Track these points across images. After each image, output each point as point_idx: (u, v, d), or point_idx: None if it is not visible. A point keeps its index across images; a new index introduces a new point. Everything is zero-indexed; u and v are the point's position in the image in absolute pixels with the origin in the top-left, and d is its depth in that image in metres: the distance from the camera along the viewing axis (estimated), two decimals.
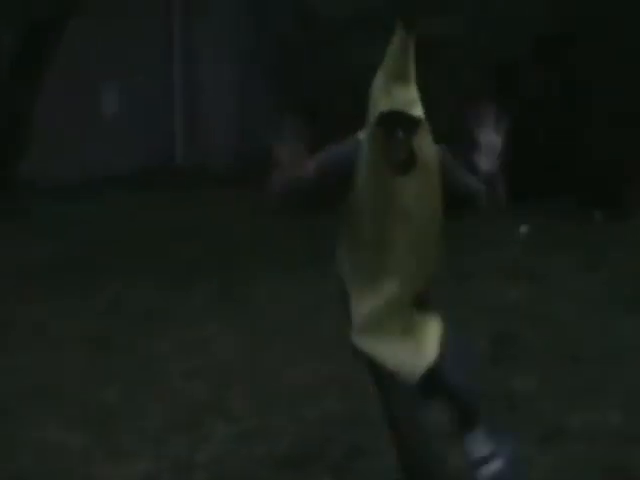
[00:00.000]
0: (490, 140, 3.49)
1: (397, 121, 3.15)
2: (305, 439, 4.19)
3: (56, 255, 7.49)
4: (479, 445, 3.54)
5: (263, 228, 7.82)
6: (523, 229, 7.69)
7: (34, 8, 8.97)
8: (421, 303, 3.42)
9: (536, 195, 8.23)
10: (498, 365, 5.06)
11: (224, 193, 9.42)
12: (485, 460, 3.53)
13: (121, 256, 7.45)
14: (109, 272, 7.01)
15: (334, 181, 3.26)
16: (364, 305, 3.34)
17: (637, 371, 4.91)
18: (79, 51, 10.37)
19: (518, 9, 8.43)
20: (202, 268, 7.09)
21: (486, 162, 3.50)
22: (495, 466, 3.53)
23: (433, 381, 3.39)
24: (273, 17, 10.11)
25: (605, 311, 5.91)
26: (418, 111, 3.18)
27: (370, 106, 3.21)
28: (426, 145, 3.26)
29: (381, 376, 3.34)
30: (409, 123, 3.17)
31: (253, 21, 10.81)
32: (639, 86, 8.35)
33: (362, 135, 3.29)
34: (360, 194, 3.24)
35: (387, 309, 3.33)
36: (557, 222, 7.90)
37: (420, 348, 3.35)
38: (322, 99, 8.68)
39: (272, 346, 5.41)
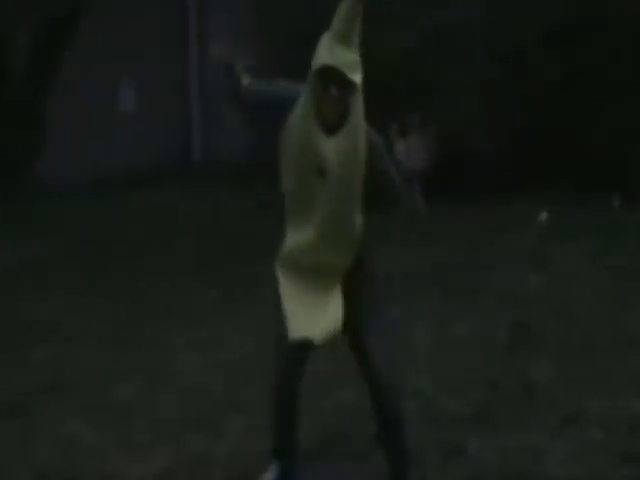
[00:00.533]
0: (414, 144, 3.56)
1: (333, 78, 3.24)
2: (323, 430, 4.18)
3: (71, 252, 7.54)
4: None
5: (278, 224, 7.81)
6: (543, 217, 7.63)
7: (48, 7, 9.00)
8: (348, 279, 3.43)
9: (551, 181, 8.19)
10: (515, 352, 5.05)
11: (239, 190, 9.42)
12: None
13: (136, 252, 7.47)
14: (125, 269, 7.04)
15: (268, 114, 3.41)
16: (288, 242, 3.45)
17: None
18: (95, 50, 10.41)
19: None
20: (219, 264, 7.10)
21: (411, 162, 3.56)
22: None
23: (357, 355, 3.51)
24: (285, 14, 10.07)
25: (622, 298, 5.87)
26: (356, 75, 3.26)
27: (313, 60, 3.29)
28: (357, 112, 3.33)
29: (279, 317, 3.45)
30: (344, 83, 3.24)
31: (265, 16, 10.78)
32: None
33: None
34: (288, 140, 3.33)
35: (304, 252, 3.39)
36: (574, 208, 7.85)
37: (325, 318, 3.40)
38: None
39: None
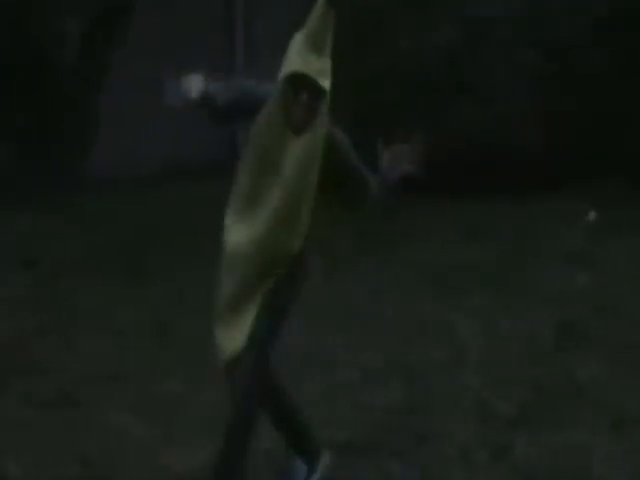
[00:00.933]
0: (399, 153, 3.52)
1: (304, 85, 3.24)
2: (369, 426, 4.17)
3: (120, 246, 7.58)
4: None
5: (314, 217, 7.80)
6: (591, 216, 7.53)
7: None
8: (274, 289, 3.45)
9: (600, 176, 8.09)
10: (563, 353, 5.00)
11: None
12: None
13: (182, 247, 7.50)
14: (171, 262, 7.07)
15: (237, 112, 3.44)
16: (231, 238, 3.49)
17: None
18: (141, 44, 10.46)
19: None
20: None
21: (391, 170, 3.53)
22: None
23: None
24: None
25: None
26: (325, 82, 3.26)
27: (284, 62, 3.30)
28: (323, 114, 3.35)
29: None
30: (315, 90, 3.25)
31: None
32: None
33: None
34: (253, 139, 3.37)
35: (248, 246, 3.42)
36: (623, 205, 7.73)
37: (234, 331, 3.45)
38: (369, 83, 8.61)
39: (333, 334, 5.39)
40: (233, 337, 3.45)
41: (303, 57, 3.24)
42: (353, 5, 8.57)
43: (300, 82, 3.25)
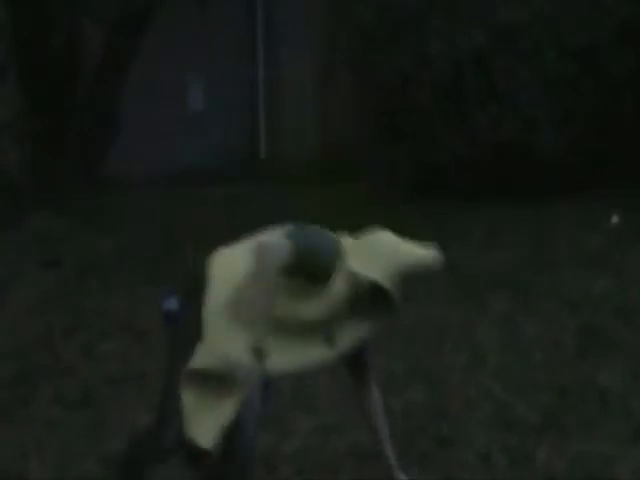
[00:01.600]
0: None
1: None
2: (390, 430, 4.17)
3: (139, 247, 7.61)
4: None
5: (341, 220, 7.81)
6: (614, 219, 7.48)
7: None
8: None
9: (623, 180, 8.05)
10: (585, 359, 4.97)
11: (307, 188, 9.43)
12: None
13: (202, 248, 7.52)
14: (189, 263, 7.09)
15: None
16: None
17: None
18: (163, 47, 10.51)
19: None
20: None
21: None
22: None
23: None
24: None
25: None
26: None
27: None
28: None
29: None
30: None
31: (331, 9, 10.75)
32: None
33: None
34: None
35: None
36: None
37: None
38: (398, 86, 8.60)
39: None
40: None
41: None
42: (383, 8, 8.59)
43: None
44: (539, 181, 8.16)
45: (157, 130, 10.82)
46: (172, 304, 3.43)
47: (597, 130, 8.30)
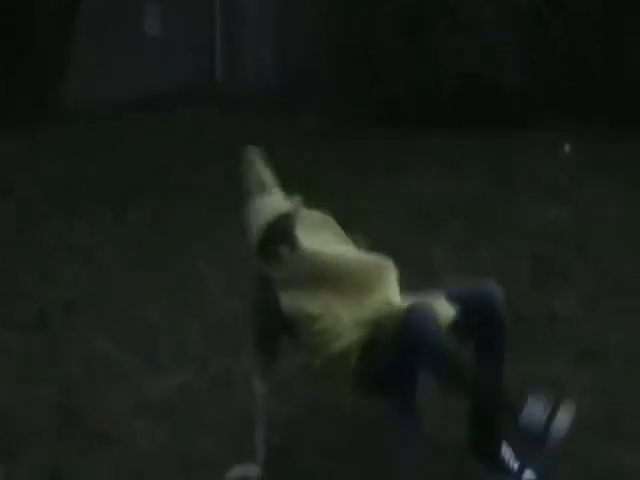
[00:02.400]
0: None
1: None
2: None
3: (99, 176, 7.55)
4: None
5: (298, 148, 7.80)
6: (567, 148, 7.55)
7: None
8: None
9: (581, 116, 8.08)
10: (539, 287, 5.05)
11: (262, 113, 9.37)
12: None
13: (161, 175, 7.48)
14: (149, 191, 7.06)
15: None
16: None
17: None
18: None
19: None
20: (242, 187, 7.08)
21: None
22: None
23: None
24: None
25: None
26: None
27: None
28: None
29: None
30: None
31: None
32: None
33: None
34: None
35: None
36: (602, 144, 7.75)
37: None
38: (360, 15, 8.52)
39: None
40: None
41: None
42: None
43: None
44: (498, 111, 8.17)
45: (113, 56, 10.65)
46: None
47: (560, 66, 8.31)
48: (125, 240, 5.98)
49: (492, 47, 8.23)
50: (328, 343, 3.11)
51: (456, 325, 3.14)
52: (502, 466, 3.22)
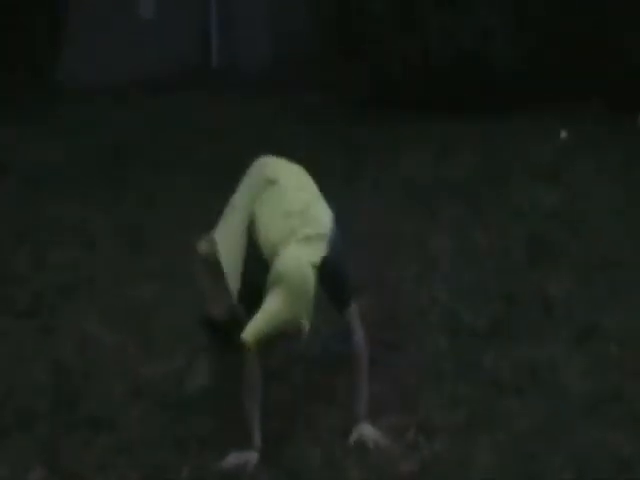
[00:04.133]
0: None
1: None
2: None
3: (91, 156, 7.52)
4: None
5: (294, 131, 7.77)
6: (563, 134, 7.53)
7: None
8: None
9: (574, 97, 8.05)
10: (533, 268, 5.04)
11: (258, 96, 9.34)
12: None
13: (156, 155, 7.46)
14: (144, 171, 7.03)
15: None
16: None
17: None
18: None
19: None
20: (237, 169, 7.06)
21: None
22: None
23: None
24: None
25: None
26: None
27: None
28: None
29: None
30: None
31: None
32: None
33: None
34: None
35: None
36: (596, 125, 7.73)
37: None
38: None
39: None
40: None
41: None
42: None
43: None
44: (492, 93, 8.14)
45: (108, 38, 10.60)
46: None
47: (553, 47, 8.25)
48: (115, 222, 5.95)
49: (484, 26, 8.18)
50: None
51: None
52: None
